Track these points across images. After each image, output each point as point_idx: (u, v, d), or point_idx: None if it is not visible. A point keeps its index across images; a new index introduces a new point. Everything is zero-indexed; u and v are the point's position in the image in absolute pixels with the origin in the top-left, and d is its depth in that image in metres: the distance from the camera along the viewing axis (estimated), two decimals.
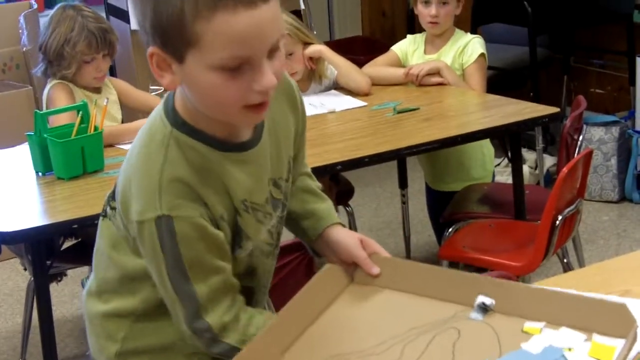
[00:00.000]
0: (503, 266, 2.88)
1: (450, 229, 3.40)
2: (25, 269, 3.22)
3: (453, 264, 3.17)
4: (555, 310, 1.51)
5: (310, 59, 3.61)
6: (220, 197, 1.56)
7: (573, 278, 1.99)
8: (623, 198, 4.63)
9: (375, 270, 1.69)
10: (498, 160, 4.38)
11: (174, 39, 1.41)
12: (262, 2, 1.40)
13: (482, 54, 3.61)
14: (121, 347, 1.65)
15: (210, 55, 1.41)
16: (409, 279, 1.66)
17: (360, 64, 3.81)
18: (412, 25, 4.80)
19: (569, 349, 1.44)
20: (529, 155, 4.79)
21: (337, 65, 3.64)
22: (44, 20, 4.83)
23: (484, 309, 1.56)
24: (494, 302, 1.57)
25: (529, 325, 1.52)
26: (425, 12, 3.65)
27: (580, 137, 3.45)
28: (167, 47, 1.44)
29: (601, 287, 1.78)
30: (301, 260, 2.55)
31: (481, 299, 1.57)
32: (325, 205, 1.83)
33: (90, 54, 3.27)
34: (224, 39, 1.39)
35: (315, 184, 1.88)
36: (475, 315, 1.57)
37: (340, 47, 4.02)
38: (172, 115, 1.55)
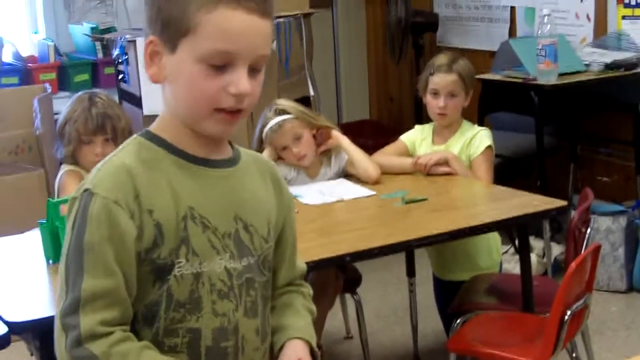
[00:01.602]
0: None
1: (458, 320, 3.39)
2: (32, 354, 3.20)
3: (461, 357, 3.16)
4: None
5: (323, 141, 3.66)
6: (162, 195, 1.57)
7: None
8: (631, 288, 4.62)
9: None
10: (505, 248, 4.38)
11: (173, 26, 1.55)
12: (260, 15, 1.56)
13: (489, 146, 3.66)
14: None
15: (201, 46, 1.54)
16: None
17: (368, 147, 3.85)
18: (420, 111, 4.86)
19: None
20: (536, 244, 4.80)
21: (350, 152, 3.68)
22: (57, 102, 4.94)
23: None
24: None
25: None
26: (433, 104, 3.71)
27: (589, 230, 3.46)
28: (164, 34, 1.57)
29: None
30: None
31: None
32: (298, 321, 1.77)
33: (87, 135, 3.35)
34: (219, 31, 1.54)
35: (308, 304, 1.83)
36: None
37: (349, 130, 4.06)
38: (144, 132, 1.67)
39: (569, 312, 2.82)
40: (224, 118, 1.58)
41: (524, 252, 3.37)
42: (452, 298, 3.65)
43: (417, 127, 3.92)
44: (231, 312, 1.61)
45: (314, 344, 1.74)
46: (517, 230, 3.44)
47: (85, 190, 1.56)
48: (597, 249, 3.06)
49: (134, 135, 1.67)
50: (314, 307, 1.84)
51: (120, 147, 1.66)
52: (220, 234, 1.61)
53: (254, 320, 1.65)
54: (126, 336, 1.53)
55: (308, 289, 1.86)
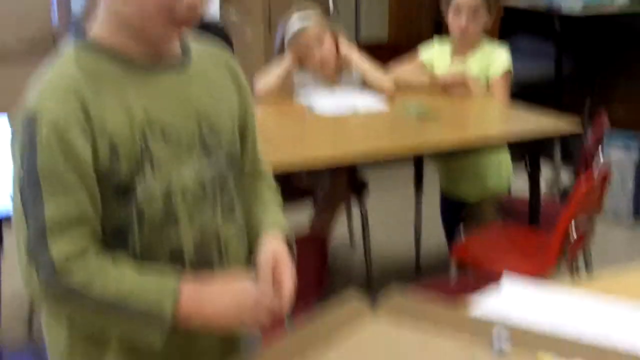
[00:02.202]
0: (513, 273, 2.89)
1: (462, 234, 3.41)
2: None
3: (461, 269, 3.19)
4: (570, 347, 1.55)
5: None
6: (112, 112, 1.45)
7: (583, 282, 2.01)
8: (637, 218, 4.63)
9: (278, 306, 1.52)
10: (515, 175, 4.39)
11: None
12: None
13: (508, 70, 3.64)
14: (69, 335, 1.53)
15: None
16: (426, 318, 1.68)
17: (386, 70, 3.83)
18: (440, 31, 4.82)
19: None
20: (546, 171, 4.80)
21: (359, 65, 3.67)
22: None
23: (500, 350, 1.59)
24: (509, 343, 1.59)
25: (542, 354, 1.56)
26: (455, 22, 3.67)
27: (600, 156, 3.46)
28: None
29: (610, 291, 1.80)
30: (312, 252, 2.58)
31: (497, 341, 1.60)
32: (270, 214, 1.70)
33: None
34: None
35: (272, 193, 1.77)
36: (492, 355, 1.59)
37: (367, 51, 4.04)
38: (78, 39, 1.51)
39: (574, 230, 2.84)
40: (176, 28, 1.48)
41: (534, 170, 3.38)
42: (458, 216, 3.67)
43: (435, 43, 3.89)
44: (210, 219, 1.54)
45: (287, 234, 1.67)
46: (528, 150, 3.45)
47: (27, 117, 1.41)
48: (608, 171, 3.06)
49: (66, 44, 1.51)
50: (279, 197, 1.78)
51: (53, 59, 1.49)
52: (185, 143, 1.51)
53: (234, 223, 1.59)
54: (102, 260, 1.44)
55: (270, 179, 1.78)
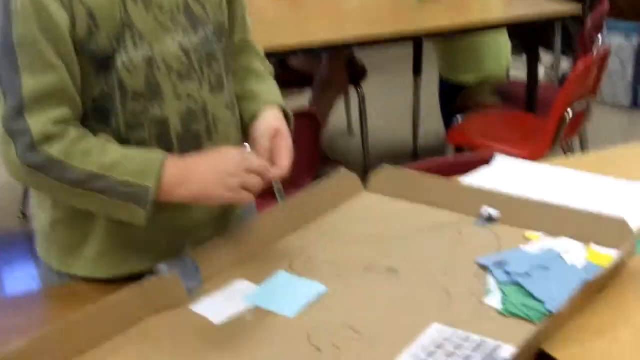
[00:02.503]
0: (508, 154, 2.90)
1: (459, 116, 3.42)
2: None
3: (458, 152, 3.21)
4: (557, 222, 1.56)
5: None
6: None
7: (574, 161, 2.03)
8: (635, 105, 4.64)
9: (272, 174, 1.47)
10: (515, 63, 4.37)
11: None
12: None
13: None
14: (52, 215, 1.51)
15: None
16: (417, 189, 1.70)
17: None
18: None
19: (566, 252, 1.48)
20: (546, 57, 4.77)
21: None
22: None
23: (489, 219, 1.61)
24: (499, 213, 1.61)
25: (529, 233, 1.57)
26: None
27: (600, 38, 3.44)
28: None
29: (601, 170, 1.82)
30: (306, 128, 2.59)
31: (486, 209, 1.62)
32: (265, 87, 1.65)
33: None
34: None
35: (264, 65, 1.71)
36: (480, 223, 1.61)
37: None
38: None
39: (570, 110, 2.84)
40: None
41: (532, 54, 3.36)
42: (456, 99, 3.67)
43: None
44: (196, 92, 1.48)
45: (284, 108, 1.63)
46: (528, 35, 3.42)
47: None
48: (606, 54, 3.05)
49: None
50: (272, 68, 1.73)
51: None
52: (168, 11, 1.45)
53: (221, 94, 1.53)
54: (83, 133, 1.39)
55: (260, 52, 1.71)
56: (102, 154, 1.37)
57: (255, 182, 1.41)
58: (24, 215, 3.60)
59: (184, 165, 1.40)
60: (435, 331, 1.27)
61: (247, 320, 1.32)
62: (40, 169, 1.36)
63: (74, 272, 1.49)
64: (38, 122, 1.35)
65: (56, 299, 1.48)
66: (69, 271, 1.50)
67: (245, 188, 1.40)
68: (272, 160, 1.49)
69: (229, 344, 1.26)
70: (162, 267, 1.37)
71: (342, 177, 1.73)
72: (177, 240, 1.47)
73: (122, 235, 1.46)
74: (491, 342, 1.23)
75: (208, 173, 1.41)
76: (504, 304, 1.33)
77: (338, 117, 4.26)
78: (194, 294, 1.38)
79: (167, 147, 1.44)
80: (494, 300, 1.35)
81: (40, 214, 1.53)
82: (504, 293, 1.36)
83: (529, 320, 1.29)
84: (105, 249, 1.47)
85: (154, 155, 1.39)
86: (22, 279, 3.25)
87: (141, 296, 1.31)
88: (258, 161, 1.44)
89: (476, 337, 1.24)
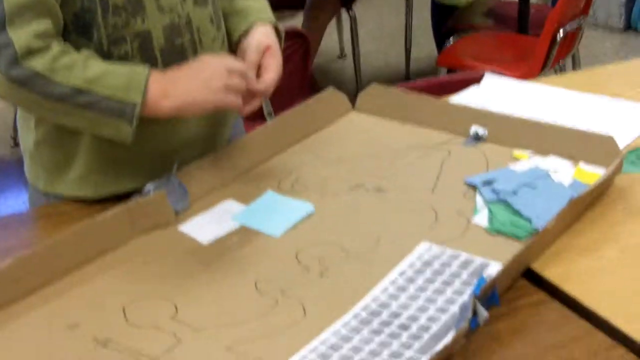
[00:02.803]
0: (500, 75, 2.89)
1: (451, 38, 3.39)
2: None
3: (451, 72, 3.19)
4: (545, 140, 1.55)
5: None
6: None
7: (565, 79, 2.02)
8: (628, 27, 4.60)
9: (257, 85, 1.44)
10: None
11: None
12: None
13: None
14: (36, 135, 1.50)
15: None
16: (406, 108, 1.68)
17: None
18: None
19: (554, 171, 1.48)
20: None
21: None
22: None
23: (477, 138, 1.60)
24: (487, 132, 1.60)
25: (518, 152, 1.56)
26: None
27: None
28: None
29: (592, 89, 1.81)
30: (297, 49, 2.56)
31: (475, 128, 1.61)
32: (255, 3, 1.60)
33: None
34: None
35: None
36: (469, 142, 1.60)
37: None
38: None
39: (562, 30, 2.82)
40: None
41: None
42: (448, 21, 3.63)
43: None
44: (179, 5, 1.45)
45: (276, 24, 1.59)
46: None
47: None
48: None
49: None
50: None
51: None
52: None
53: (206, 7, 1.50)
54: (66, 48, 1.37)
55: None
56: (86, 69, 1.34)
57: (238, 82, 1.38)
58: (15, 142, 3.59)
59: (167, 77, 1.38)
60: (423, 249, 1.27)
61: (235, 241, 1.32)
62: (24, 83, 1.33)
63: (60, 192, 1.49)
64: (21, 36, 1.32)
65: (43, 219, 1.48)
66: (55, 191, 1.49)
67: (230, 89, 1.37)
68: (259, 76, 1.46)
69: (217, 263, 1.26)
70: (149, 187, 1.37)
71: (331, 96, 1.71)
72: (165, 159, 1.45)
73: (108, 154, 1.45)
74: (479, 260, 1.23)
75: (191, 79, 1.38)
76: (491, 222, 1.33)
77: (330, 41, 4.22)
78: (181, 214, 1.38)
79: (151, 62, 1.41)
80: (482, 219, 1.35)
81: (26, 135, 1.52)
82: (491, 211, 1.36)
83: (516, 238, 1.29)
84: (91, 169, 1.46)
85: (138, 69, 1.36)
86: (15, 206, 3.26)
87: (128, 216, 1.31)
88: (239, 63, 1.42)
89: (464, 255, 1.24)
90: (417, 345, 1.06)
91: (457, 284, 1.19)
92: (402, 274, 1.21)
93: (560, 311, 1.16)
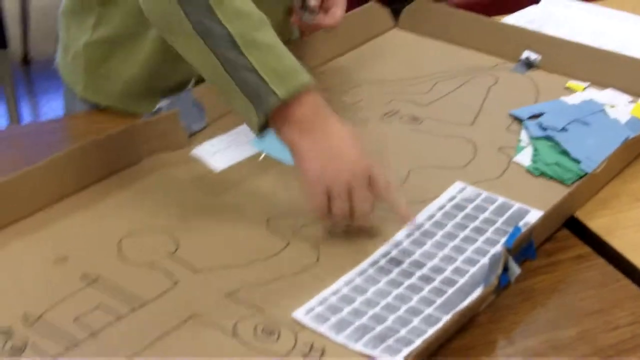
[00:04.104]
0: None
1: None
2: None
3: None
4: (605, 71, 1.39)
5: None
6: None
7: (636, 2, 1.84)
8: None
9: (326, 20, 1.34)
10: None
11: None
12: None
13: None
14: (90, 36, 1.36)
15: None
16: (452, 27, 1.55)
17: None
18: None
19: (611, 106, 1.33)
20: None
21: None
22: None
23: (529, 64, 1.46)
24: (539, 57, 1.45)
25: (572, 82, 1.41)
26: None
27: None
28: None
29: None
30: None
31: (527, 53, 1.46)
32: None
33: None
34: None
35: None
36: (518, 68, 1.46)
37: None
38: None
39: None
40: None
41: None
42: None
43: None
44: None
45: None
46: None
47: None
48: None
49: None
50: None
51: None
52: None
53: None
54: None
55: None
56: (256, 29, 1.05)
57: (363, 210, 1.03)
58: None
59: (324, 113, 1.06)
60: (456, 190, 1.14)
61: (250, 169, 1.20)
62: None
63: (98, 101, 1.38)
64: None
65: (75, 126, 1.38)
66: (94, 99, 1.38)
67: (339, 211, 1.03)
68: (326, 9, 1.35)
69: (227, 195, 1.14)
70: (162, 104, 1.25)
71: (372, 12, 1.57)
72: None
73: (163, 70, 1.32)
74: (517, 205, 1.10)
75: (333, 150, 1.03)
76: (534, 161, 1.20)
77: None
78: (195, 136, 1.27)
79: None
80: (525, 157, 1.21)
81: (76, 33, 1.39)
82: (536, 149, 1.22)
83: (561, 181, 1.16)
84: (140, 83, 1.34)
85: (305, 74, 1.05)
86: (58, 109, 3.18)
87: (136, 136, 1.20)
88: (383, 179, 1.04)
89: (501, 199, 1.12)
90: (439, 301, 0.95)
91: (490, 232, 1.06)
92: (430, 217, 1.09)
93: (605, 269, 1.03)
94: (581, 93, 1.38)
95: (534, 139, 1.24)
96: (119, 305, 0.94)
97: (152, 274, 0.99)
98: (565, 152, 1.20)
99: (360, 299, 0.96)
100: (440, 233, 1.06)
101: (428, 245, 1.04)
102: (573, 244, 1.07)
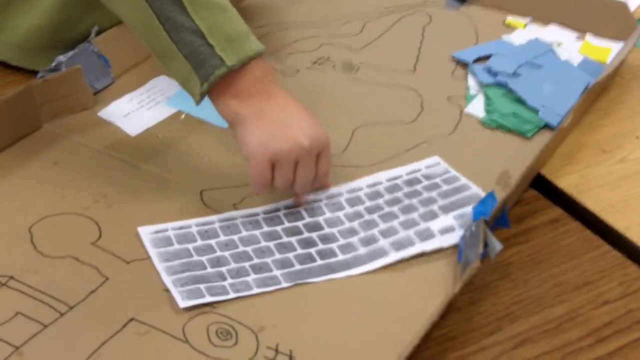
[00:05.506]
0: None
1: None
2: None
3: None
4: (544, 5, 1.28)
5: None
6: None
7: None
8: None
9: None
10: None
11: None
12: None
13: None
14: None
15: None
16: None
17: None
18: None
19: (558, 44, 1.22)
20: None
21: None
22: None
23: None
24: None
25: (512, 18, 1.29)
26: None
27: None
28: None
29: None
30: None
31: None
32: None
33: None
34: None
35: None
36: (450, 2, 1.33)
37: None
38: None
39: None
40: None
41: None
42: None
43: None
44: None
45: None
46: None
47: None
48: None
49: None
50: None
51: None
52: None
53: None
54: None
55: None
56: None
57: (304, 185, 0.91)
58: None
59: (271, 83, 0.91)
60: (427, 164, 1.01)
61: (171, 132, 1.04)
62: None
63: None
64: None
65: None
66: None
67: (282, 184, 0.89)
68: None
69: (149, 163, 0.98)
70: (60, 59, 1.06)
71: None
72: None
73: (62, 18, 1.13)
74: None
75: (281, 120, 0.88)
76: (488, 112, 1.08)
77: None
78: (101, 94, 1.09)
79: None
80: (477, 107, 1.09)
81: None
82: (488, 98, 1.10)
83: (520, 134, 1.05)
84: (37, 33, 1.14)
85: (256, 42, 0.89)
86: None
87: (32, 98, 1.01)
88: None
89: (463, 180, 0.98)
90: (296, 268, 0.84)
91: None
92: (369, 195, 0.95)
93: (583, 234, 0.93)
94: (523, 30, 1.27)
95: (484, 86, 1.12)
96: (41, 311, 0.77)
97: (74, 268, 0.82)
98: (520, 100, 1.09)
99: (215, 240, 0.86)
100: (366, 204, 0.93)
101: (337, 213, 0.91)
102: (544, 206, 0.96)
